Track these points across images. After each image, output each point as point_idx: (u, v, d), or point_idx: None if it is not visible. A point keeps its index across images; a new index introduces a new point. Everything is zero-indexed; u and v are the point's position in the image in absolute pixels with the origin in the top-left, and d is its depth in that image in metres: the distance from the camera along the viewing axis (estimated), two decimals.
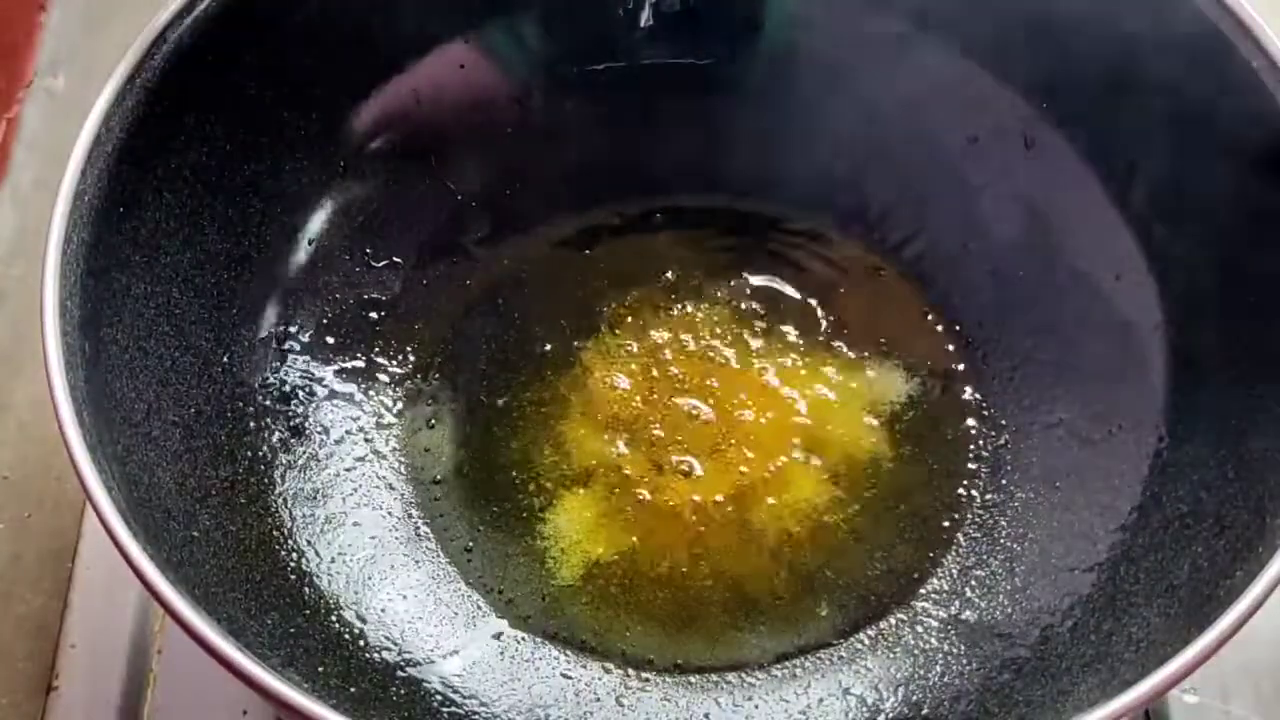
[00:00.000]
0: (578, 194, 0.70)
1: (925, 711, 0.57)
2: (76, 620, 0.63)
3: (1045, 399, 0.63)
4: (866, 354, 0.66)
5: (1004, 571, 0.60)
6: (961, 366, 0.66)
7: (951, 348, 0.66)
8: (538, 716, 0.58)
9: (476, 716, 0.57)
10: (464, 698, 0.57)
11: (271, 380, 0.63)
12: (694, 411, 0.65)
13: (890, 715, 0.57)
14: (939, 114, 0.67)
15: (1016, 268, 0.66)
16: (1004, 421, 0.64)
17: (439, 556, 0.62)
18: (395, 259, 0.68)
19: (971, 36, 0.65)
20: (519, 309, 0.68)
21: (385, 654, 0.58)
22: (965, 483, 0.63)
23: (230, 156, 0.62)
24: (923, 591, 0.60)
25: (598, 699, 0.58)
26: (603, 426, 0.65)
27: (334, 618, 0.58)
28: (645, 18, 0.68)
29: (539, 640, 0.60)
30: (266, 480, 0.61)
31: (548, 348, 0.67)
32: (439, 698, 0.57)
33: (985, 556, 0.61)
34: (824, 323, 0.67)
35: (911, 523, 0.62)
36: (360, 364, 0.65)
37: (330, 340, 0.65)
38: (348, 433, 0.64)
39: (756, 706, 0.58)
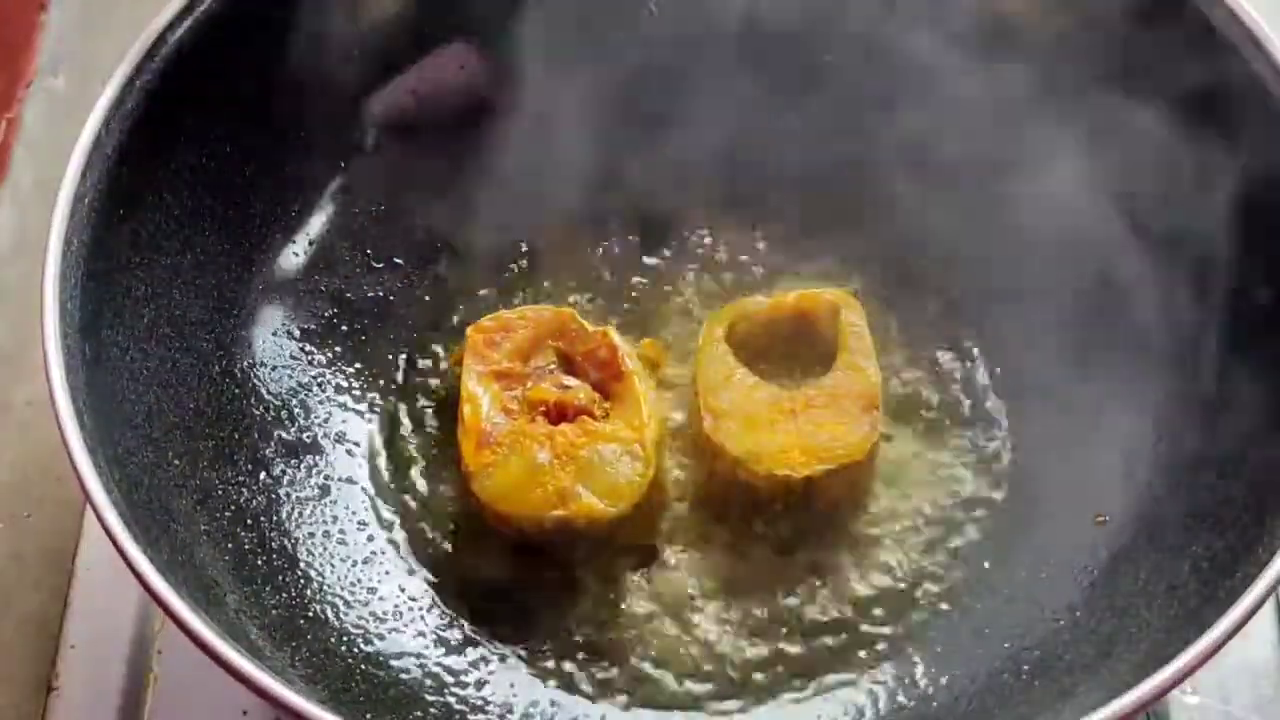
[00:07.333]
0: (580, 193, 0.70)
1: (926, 711, 0.57)
2: (76, 620, 0.63)
3: (1045, 401, 0.63)
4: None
5: (1004, 572, 0.60)
6: (961, 368, 0.65)
7: (951, 349, 0.66)
8: None
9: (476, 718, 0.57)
10: (464, 701, 0.57)
11: (272, 381, 0.63)
12: (692, 420, 0.64)
13: (891, 716, 0.58)
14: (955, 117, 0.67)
15: (1018, 266, 0.66)
16: (1004, 422, 0.64)
17: (442, 561, 0.61)
18: (395, 259, 0.68)
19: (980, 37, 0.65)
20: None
21: (386, 656, 0.58)
22: (965, 484, 0.63)
23: (230, 156, 0.62)
24: (923, 593, 0.60)
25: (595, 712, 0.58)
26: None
27: (334, 619, 0.58)
28: (647, 13, 0.69)
29: (541, 651, 0.59)
30: (267, 482, 0.61)
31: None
32: (439, 701, 0.57)
33: (985, 557, 0.61)
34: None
35: (910, 524, 0.62)
36: (360, 365, 0.65)
37: (330, 341, 0.65)
38: (348, 434, 0.64)
39: (759, 712, 0.58)
